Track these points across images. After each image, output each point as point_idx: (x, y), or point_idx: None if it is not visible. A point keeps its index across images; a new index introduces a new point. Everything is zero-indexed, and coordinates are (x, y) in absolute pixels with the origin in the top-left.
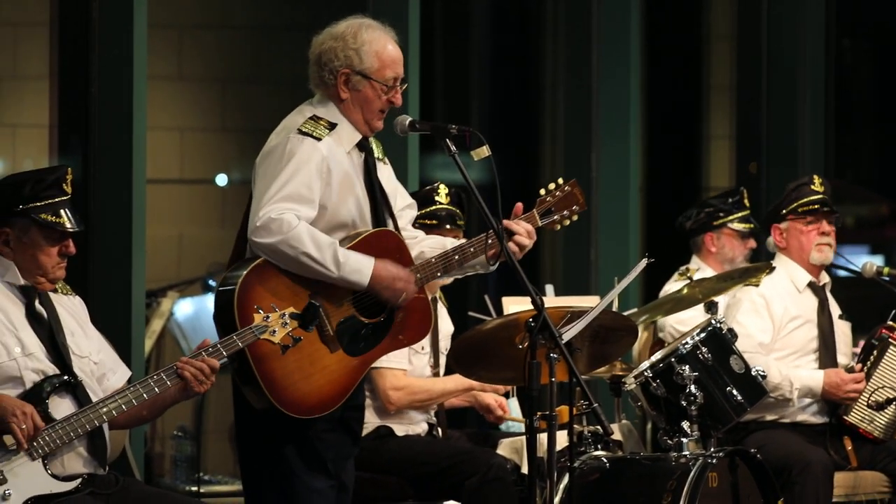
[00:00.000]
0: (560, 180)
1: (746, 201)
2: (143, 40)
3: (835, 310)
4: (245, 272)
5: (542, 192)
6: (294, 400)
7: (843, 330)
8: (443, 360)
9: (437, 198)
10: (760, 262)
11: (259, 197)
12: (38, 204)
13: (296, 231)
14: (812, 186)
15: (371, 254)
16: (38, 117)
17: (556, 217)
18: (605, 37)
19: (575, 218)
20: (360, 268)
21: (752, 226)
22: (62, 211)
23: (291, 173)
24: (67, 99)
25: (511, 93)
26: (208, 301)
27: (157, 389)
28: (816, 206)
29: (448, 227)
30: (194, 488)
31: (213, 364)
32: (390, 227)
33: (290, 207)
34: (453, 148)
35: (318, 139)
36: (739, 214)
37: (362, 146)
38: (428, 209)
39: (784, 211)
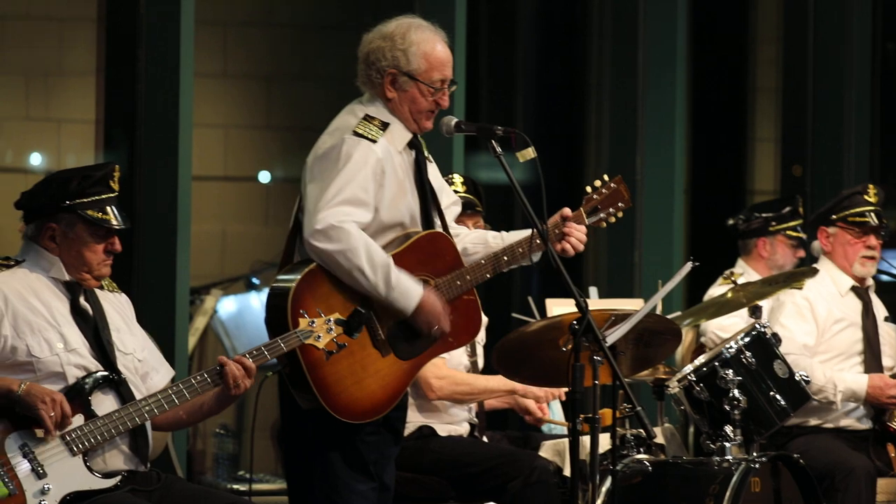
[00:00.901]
0: (605, 176)
1: (801, 210)
2: (189, 37)
3: (880, 312)
4: (300, 276)
5: (588, 189)
6: (346, 405)
7: (888, 332)
8: (480, 350)
9: (453, 187)
10: (804, 268)
11: (316, 199)
12: (85, 200)
13: (354, 244)
14: (866, 196)
15: (422, 257)
16: (83, 113)
17: (602, 215)
18: (652, 38)
19: (620, 215)
20: (409, 294)
21: (804, 235)
22: (108, 208)
23: (348, 177)
24: (113, 95)
25: (556, 94)
26: (251, 299)
27: (199, 389)
28: (866, 220)
29: (468, 213)
30: (236, 486)
31: (249, 366)
32: (438, 226)
33: (348, 212)
34: (499, 149)
35: (374, 141)
36: (794, 223)
37: (412, 144)
38: None
39: (834, 216)
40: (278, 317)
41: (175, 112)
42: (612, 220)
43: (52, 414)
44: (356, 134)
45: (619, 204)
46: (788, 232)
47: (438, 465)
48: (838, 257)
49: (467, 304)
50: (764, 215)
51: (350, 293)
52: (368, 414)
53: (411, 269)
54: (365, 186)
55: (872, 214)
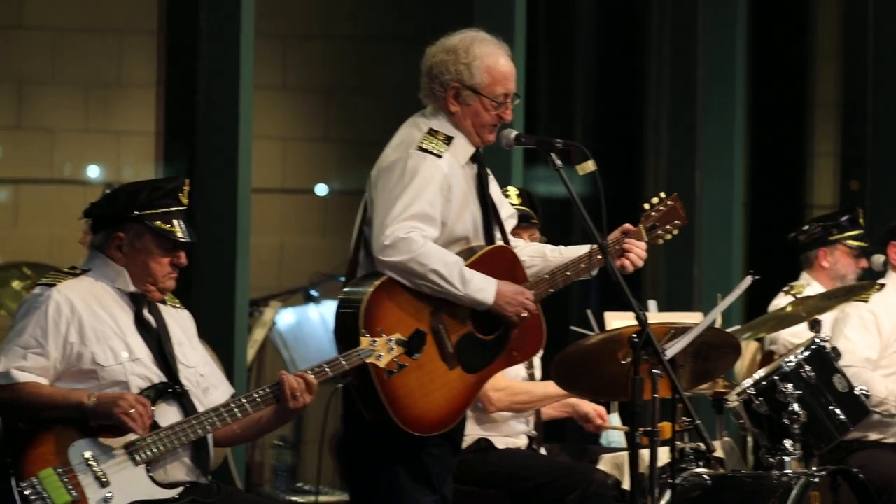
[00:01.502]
0: (662, 194)
1: (861, 220)
2: (249, 49)
3: None
4: (372, 289)
5: (647, 206)
6: (415, 418)
7: None
8: (537, 362)
9: (507, 200)
10: (866, 281)
11: (383, 214)
12: (154, 211)
13: (424, 249)
14: None
15: (489, 271)
16: (143, 124)
17: (659, 231)
18: (711, 52)
19: (676, 233)
20: (485, 286)
21: (865, 245)
22: (176, 221)
23: (416, 192)
24: (173, 106)
25: (615, 108)
26: (310, 311)
27: (262, 403)
28: None
29: (523, 225)
30: (294, 498)
31: (310, 381)
32: (499, 239)
33: (416, 226)
34: (558, 162)
35: (439, 156)
36: (854, 232)
37: (474, 158)
38: None
39: None
40: (349, 329)
41: (234, 124)
42: (668, 237)
43: (132, 411)
44: (421, 149)
45: (676, 221)
46: (849, 241)
47: (496, 477)
48: None
49: (531, 317)
50: (822, 225)
51: (420, 305)
52: (436, 427)
53: None
54: (432, 202)
55: None
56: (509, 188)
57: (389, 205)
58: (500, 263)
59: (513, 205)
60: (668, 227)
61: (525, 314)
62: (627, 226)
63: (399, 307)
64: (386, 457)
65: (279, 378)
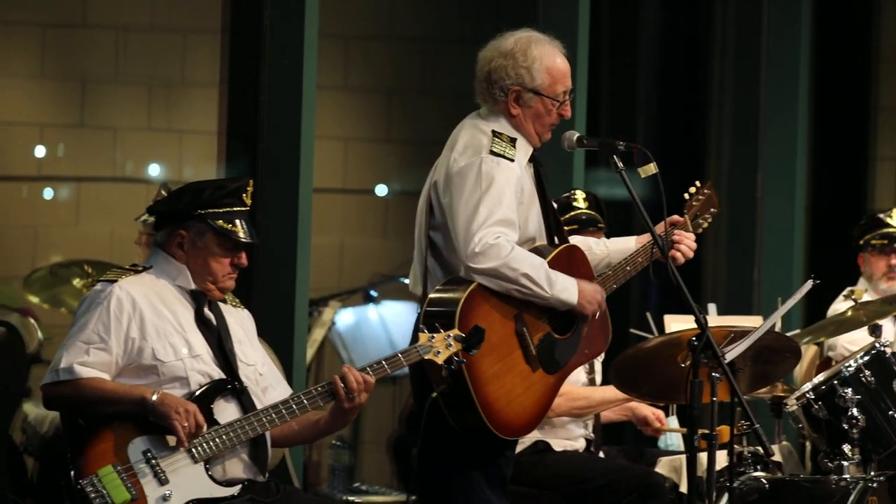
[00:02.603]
0: (698, 183)
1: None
2: (313, 50)
3: None
4: (465, 295)
5: (686, 196)
6: (508, 422)
7: None
8: (598, 366)
9: (575, 203)
10: None
11: (468, 221)
12: (217, 210)
13: (514, 253)
14: None
15: (564, 268)
16: (205, 124)
17: (700, 221)
18: (774, 56)
19: (711, 220)
20: (569, 286)
21: (885, 241)
22: (238, 221)
23: (496, 198)
24: (235, 107)
25: (677, 111)
26: (369, 311)
27: (319, 400)
28: None
29: (590, 229)
30: (351, 497)
31: (367, 380)
32: (556, 238)
33: (502, 232)
34: (620, 164)
35: (511, 160)
36: (876, 231)
37: (532, 157)
38: (569, 214)
39: None
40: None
41: (296, 124)
42: (706, 225)
43: (186, 424)
44: (493, 153)
45: (712, 210)
46: (872, 241)
47: (553, 479)
48: None
49: (598, 316)
50: (854, 232)
51: (506, 309)
52: (524, 430)
53: None
54: (511, 206)
55: None
56: (577, 192)
57: (472, 211)
58: (572, 262)
59: (579, 209)
60: (706, 215)
61: (601, 310)
62: (675, 217)
63: (489, 312)
64: (464, 461)
65: (336, 375)
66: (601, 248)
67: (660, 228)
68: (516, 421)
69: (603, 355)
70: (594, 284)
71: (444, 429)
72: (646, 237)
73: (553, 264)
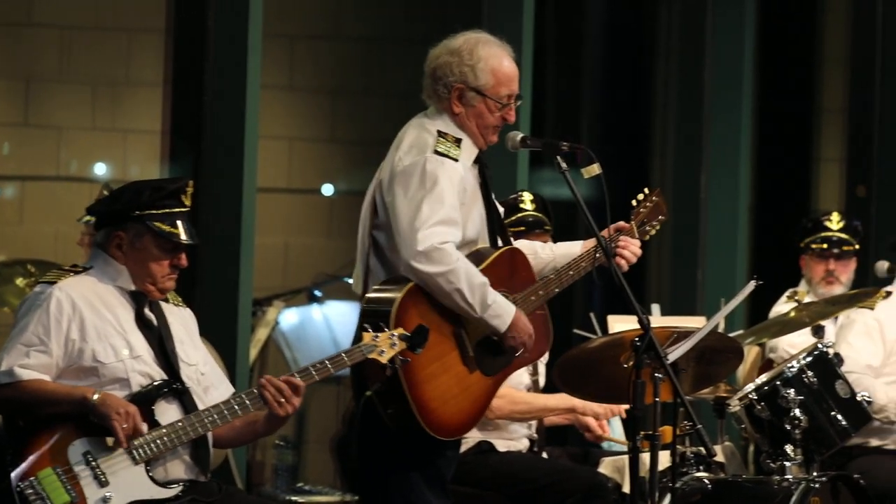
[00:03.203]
0: (646, 190)
1: (830, 222)
2: (257, 50)
3: None
4: (402, 295)
5: (634, 202)
6: (443, 422)
7: None
8: (541, 368)
9: (522, 205)
10: (871, 288)
11: (410, 219)
12: (155, 212)
13: (456, 266)
14: None
15: (503, 273)
16: (150, 124)
17: (647, 227)
18: (718, 58)
19: (658, 227)
20: (503, 314)
21: (825, 246)
22: (178, 222)
23: (439, 197)
24: (180, 106)
25: (622, 112)
26: (313, 311)
27: (261, 403)
28: None
29: (537, 231)
30: (294, 497)
31: (295, 384)
32: (501, 240)
33: (445, 233)
34: (564, 165)
35: (455, 160)
36: (816, 235)
37: (477, 159)
38: (516, 216)
39: None
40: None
41: (240, 124)
42: (653, 232)
43: (126, 426)
44: (438, 153)
45: (660, 217)
46: (812, 245)
47: (497, 480)
48: None
49: (540, 318)
50: (796, 237)
51: (445, 309)
52: (460, 431)
53: (494, 285)
54: (455, 206)
55: None
56: (524, 193)
57: (415, 210)
58: (513, 265)
59: (526, 211)
60: (654, 222)
61: (522, 352)
62: (621, 223)
63: (426, 311)
64: (401, 461)
65: (258, 384)
66: (547, 253)
67: (605, 233)
68: (451, 422)
69: (547, 356)
70: (530, 328)
71: (381, 428)
72: (591, 242)
73: (493, 268)
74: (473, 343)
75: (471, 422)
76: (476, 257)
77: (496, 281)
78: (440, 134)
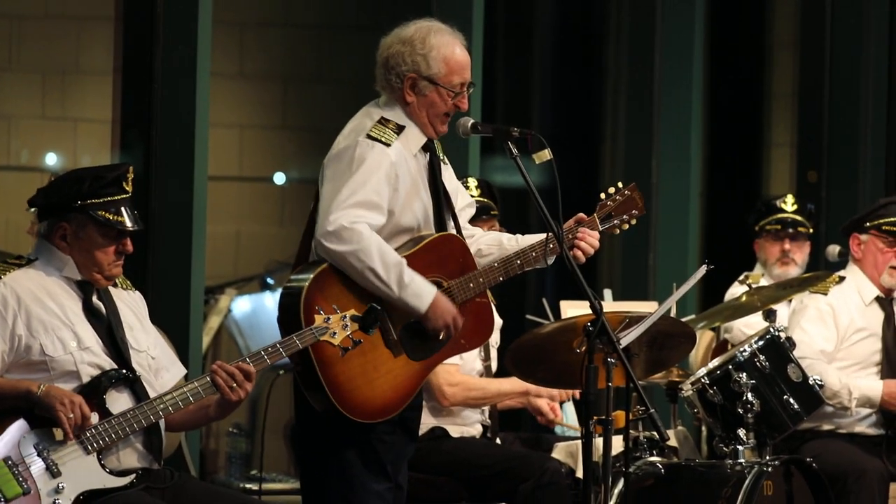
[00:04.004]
0: (620, 184)
1: (784, 204)
2: (207, 37)
3: None
4: (312, 276)
5: (602, 196)
6: (358, 405)
7: None
8: (493, 353)
9: (468, 191)
10: (822, 272)
11: (329, 200)
12: (97, 201)
13: (366, 244)
14: None
15: (434, 259)
16: (100, 112)
17: (615, 221)
18: (669, 43)
19: (634, 222)
20: (422, 294)
21: (778, 227)
22: (121, 209)
23: (362, 180)
24: (130, 94)
25: (572, 97)
26: (266, 299)
27: (214, 389)
28: None
29: (483, 217)
30: (248, 485)
31: (246, 370)
32: (451, 228)
33: (361, 215)
34: (515, 151)
35: (388, 145)
36: (771, 217)
37: (427, 147)
38: None
39: (868, 224)
40: (291, 316)
41: (191, 112)
42: (626, 226)
43: (72, 416)
44: (370, 137)
45: (633, 211)
46: (767, 227)
47: (450, 466)
48: (868, 266)
49: (480, 306)
50: (750, 221)
51: (363, 293)
52: (380, 413)
53: (423, 271)
54: (378, 190)
55: None
56: (469, 179)
57: (335, 191)
58: (447, 252)
59: (472, 196)
60: (624, 216)
61: (444, 335)
62: (581, 215)
63: (340, 294)
64: (337, 445)
65: (210, 370)
66: (512, 244)
67: (568, 226)
68: (368, 404)
69: (498, 342)
70: (454, 309)
71: (314, 411)
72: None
73: (424, 253)
74: (399, 327)
75: (393, 405)
76: (411, 244)
77: (427, 266)
78: (382, 120)
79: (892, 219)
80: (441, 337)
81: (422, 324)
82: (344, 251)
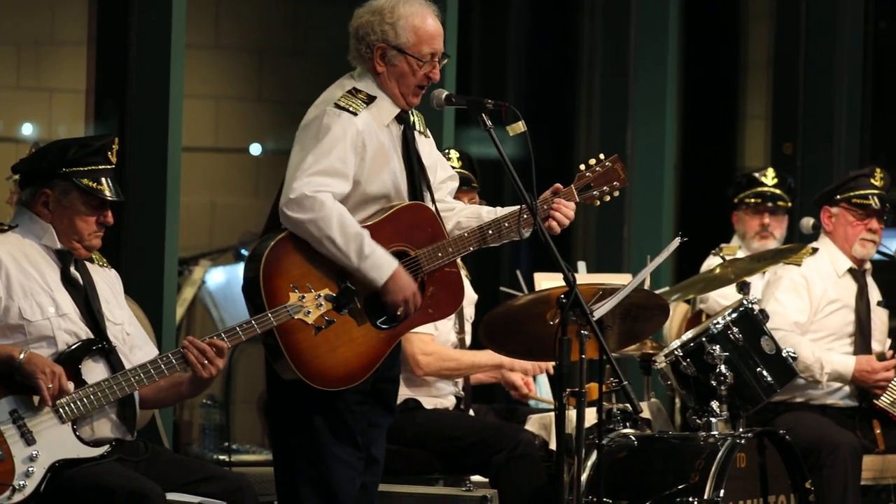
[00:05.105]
0: (601, 155)
1: (765, 177)
2: (181, 8)
3: (874, 295)
4: (272, 243)
5: (582, 167)
6: (319, 372)
7: (880, 317)
8: (468, 327)
9: (449, 163)
10: (795, 244)
11: (293, 168)
12: (81, 169)
13: (326, 213)
14: (872, 180)
15: (400, 227)
16: (74, 83)
17: (595, 192)
18: (643, 14)
19: (616, 194)
20: (382, 266)
21: (759, 201)
22: (104, 179)
23: (327, 148)
24: (104, 65)
25: (548, 69)
26: (240, 270)
27: (176, 366)
28: (869, 203)
29: (464, 189)
30: (222, 457)
31: (219, 346)
32: (427, 200)
33: (324, 183)
34: (489, 122)
35: (354, 114)
36: (751, 190)
37: (401, 119)
38: None
39: (838, 197)
40: (252, 283)
41: (165, 83)
42: (607, 198)
43: (51, 385)
44: (337, 106)
45: (615, 183)
46: (746, 200)
47: (423, 437)
48: (839, 238)
49: (449, 276)
50: (729, 193)
51: (323, 262)
52: (342, 382)
53: (390, 239)
54: (343, 158)
55: (876, 198)
56: (450, 151)
57: (300, 160)
58: (414, 221)
59: (453, 168)
60: (605, 188)
61: (401, 311)
62: (558, 186)
63: (300, 263)
64: (305, 413)
65: (181, 346)
66: (490, 216)
67: (545, 197)
68: (331, 372)
69: (473, 316)
70: (414, 286)
71: (282, 380)
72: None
73: (390, 222)
74: (364, 296)
75: (357, 373)
76: (381, 213)
77: (393, 235)
78: (352, 90)
79: (861, 191)
80: (399, 313)
81: (381, 297)
82: (304, 219)
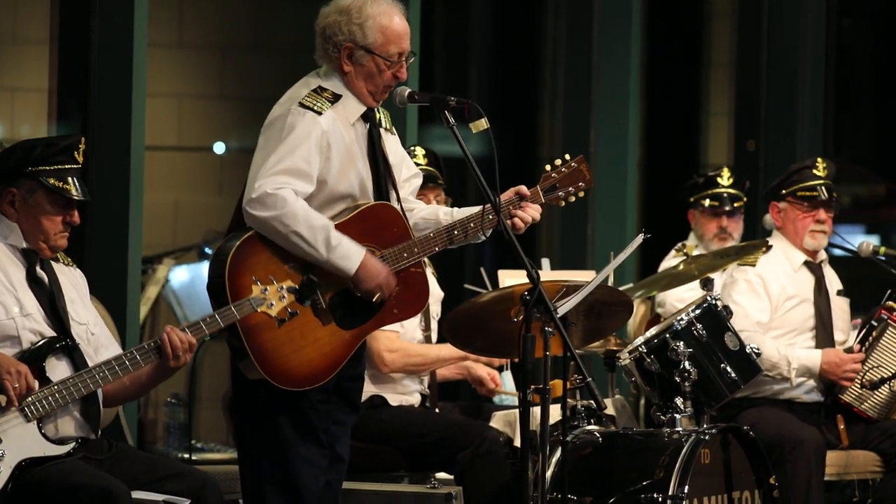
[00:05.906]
0: (567, 156)
1: (722, 179)
2: (144, 6)
3: (833, 285)
4: (238, 243)
5: (548, 167)
6: (284, 372)
7: (840, 307)
8: (434, 325)
9: (414, 160)
10: (757, 241)
11: (256, 167)
12: (47, 168)
13: (290, 209)
14: (814, 171)
15: (366, 227)
16: (37, 82)
17: (560, 193)
18: (606, 12)
19: (581, 195)
20: (350, 255)
21: (717, 203)
22: (70, 178)
23: (290, 147)
24: (67, 64)
25: (511, 66)
26: (203, 269)
27: (152, 356)
28: (815, 194)
29: (429, 186)
30: (186, 455)
31: (191, 340)
32: (392, 199)
33: (286, 182)
34: (452, 120)
35: (319, 113)
36: (710, 192)
37: (367, 117)
38: None
39: (784, 191)
40: (217, 283)
41: (128, 81)
42: (572, 199)
43: (17, 385)
44: (302, 105)
45: (580, 183)
46: (703, 202)
47: (389, 434)
48: (789, 232)
49: (414, 276)
50: (685, 191)
51: (289, 259)
52: (306, 382)
53: (356, 239)
54: (307, 157)
55: (822, 188)
56: (416, 148)
57: (263, 159)
58: (380, 221)
59: (418, 165)
60: (570, 188)
61: (379, 296)
62: (522, 187)
63: (267, 261)
64: (270, 412)
65: (162, 335)
66: (447, 218)
67: (507, 197)
68: (295, 372)
69: (439, 313)
70: (387, 269)
71: (246, 379)
72: (489, 206)
73: (356, 222)
74: (328, 296)
75: (321, 373)
76: (347, 212)
77: (359, 235)
78: (318, 89)
79: (806, 184)
80: (375, 299)
81: (354, 287)
82: (267, 217)
